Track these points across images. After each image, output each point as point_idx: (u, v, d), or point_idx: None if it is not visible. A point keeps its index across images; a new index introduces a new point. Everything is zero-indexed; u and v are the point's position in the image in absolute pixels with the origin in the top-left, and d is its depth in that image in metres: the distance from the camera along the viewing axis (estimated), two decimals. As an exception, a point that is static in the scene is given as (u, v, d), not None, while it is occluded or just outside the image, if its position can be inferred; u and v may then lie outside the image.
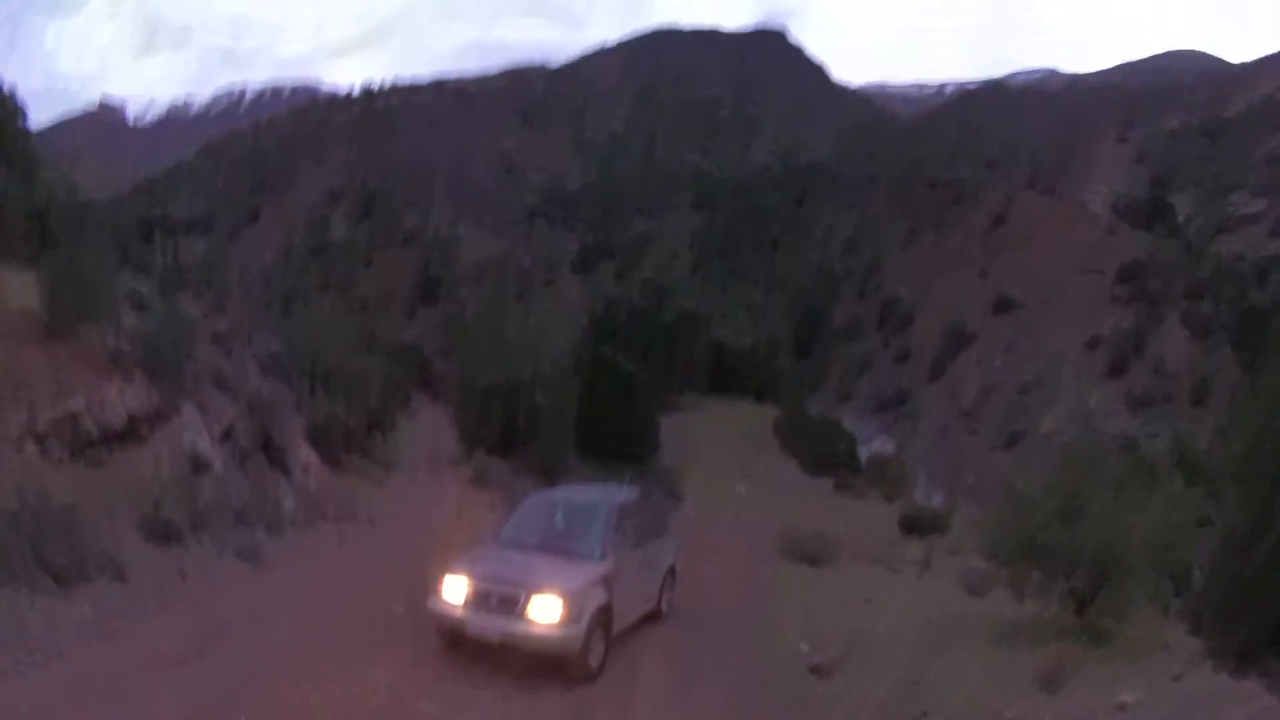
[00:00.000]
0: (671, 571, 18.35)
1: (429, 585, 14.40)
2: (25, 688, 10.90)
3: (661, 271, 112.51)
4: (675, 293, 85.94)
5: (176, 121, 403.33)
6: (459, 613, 14.07)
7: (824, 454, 61.16)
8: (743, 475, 47.65)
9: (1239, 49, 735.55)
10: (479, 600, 14.03)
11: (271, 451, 22.36)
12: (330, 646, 13.82)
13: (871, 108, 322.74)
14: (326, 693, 12.16)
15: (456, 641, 14.24)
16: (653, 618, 17.28)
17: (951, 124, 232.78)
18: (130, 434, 17.86)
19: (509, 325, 57.77)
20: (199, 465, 18.65)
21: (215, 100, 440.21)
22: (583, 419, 42.65)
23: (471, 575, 14.40)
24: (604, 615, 14.53)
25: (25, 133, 26.08)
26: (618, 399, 46.57)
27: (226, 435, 20.46)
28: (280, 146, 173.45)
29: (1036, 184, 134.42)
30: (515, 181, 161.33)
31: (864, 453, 69.37)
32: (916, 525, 39.53)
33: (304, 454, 24.80)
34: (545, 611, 13.70)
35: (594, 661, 14.28)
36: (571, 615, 13.77)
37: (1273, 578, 14.36)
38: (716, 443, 55.80)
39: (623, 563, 15.55)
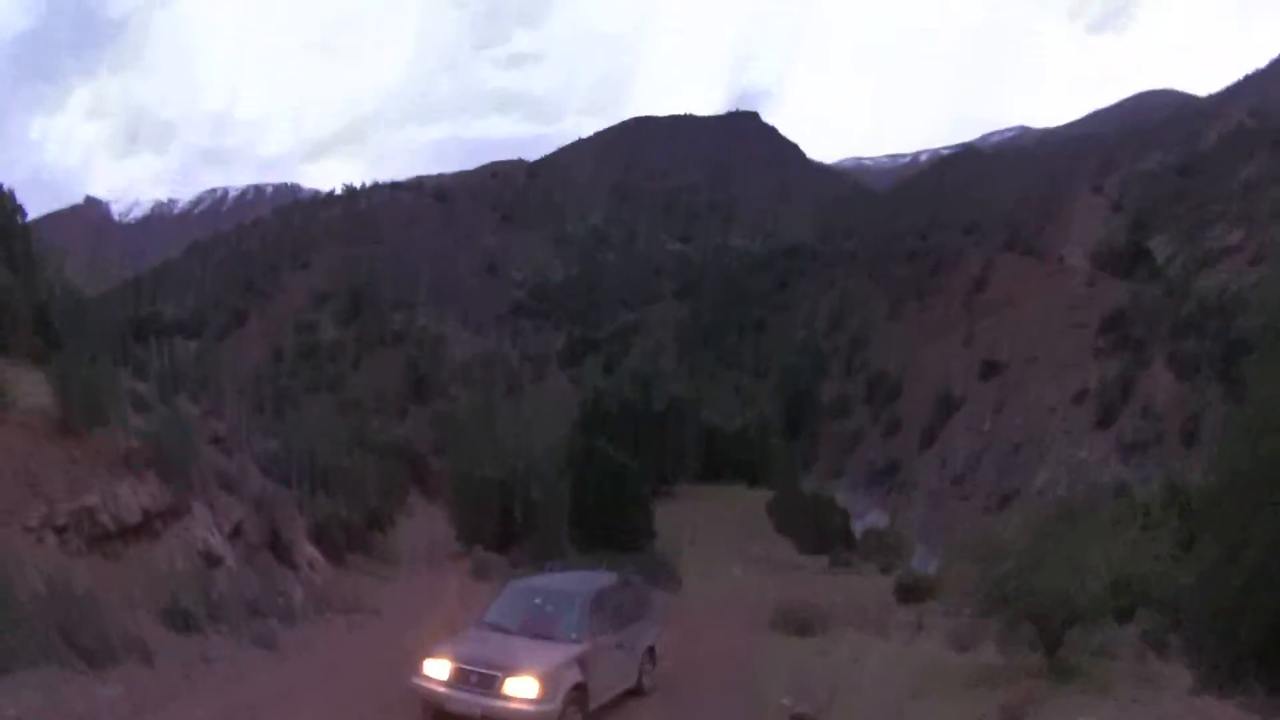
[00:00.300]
0: (651, 652, 18.91)
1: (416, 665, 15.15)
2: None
3: (648, 361, 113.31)
4: (663, 382, 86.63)
5: (161, 219, 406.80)
6: (441, 690, 14.82)
7: (818, 531, 61.79)
8: (738, 557, 48.23)
9: (1207, 81, 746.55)
10: (460, 679, 14.77)
11: (278, 548, 23.11)
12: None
13: (848, 183, 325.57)
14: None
15: (439, 717, 14.92)
16: (633, 694, 17.90)
17: (928, 192, 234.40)
18: (145, 529, 18.58)
19: (500, 422, 58.47)
20: (211, 560, 19.36)
21: (199, 199, 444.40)
22: (577, 510, 43.38)
23: (453, 656, 15.16)
24: (579, 693, 15.31)
25: (26, 232, 26.96)
26: (611, 490, 47.43)
27: (235, 532, 21.20)
28: (265, 247, 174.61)
29: (1015, 245, 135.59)
30: (498, 279, 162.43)
31: (858, 527, 69.88)
32: (911, 592, 39.98)
33: (308, 551, 25.53)
34: (522, 690, 14.47)
35: None
36: (547, 693, 14.54)
37: (1249, 604, 15.11)
38: (712, 527, 56.40)
39: (599, 644, 16.31)
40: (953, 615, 29.99)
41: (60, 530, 17.09)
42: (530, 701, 14.46)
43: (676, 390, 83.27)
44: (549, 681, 14.69)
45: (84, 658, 14.25)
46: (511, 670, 14.71)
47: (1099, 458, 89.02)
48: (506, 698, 14.48)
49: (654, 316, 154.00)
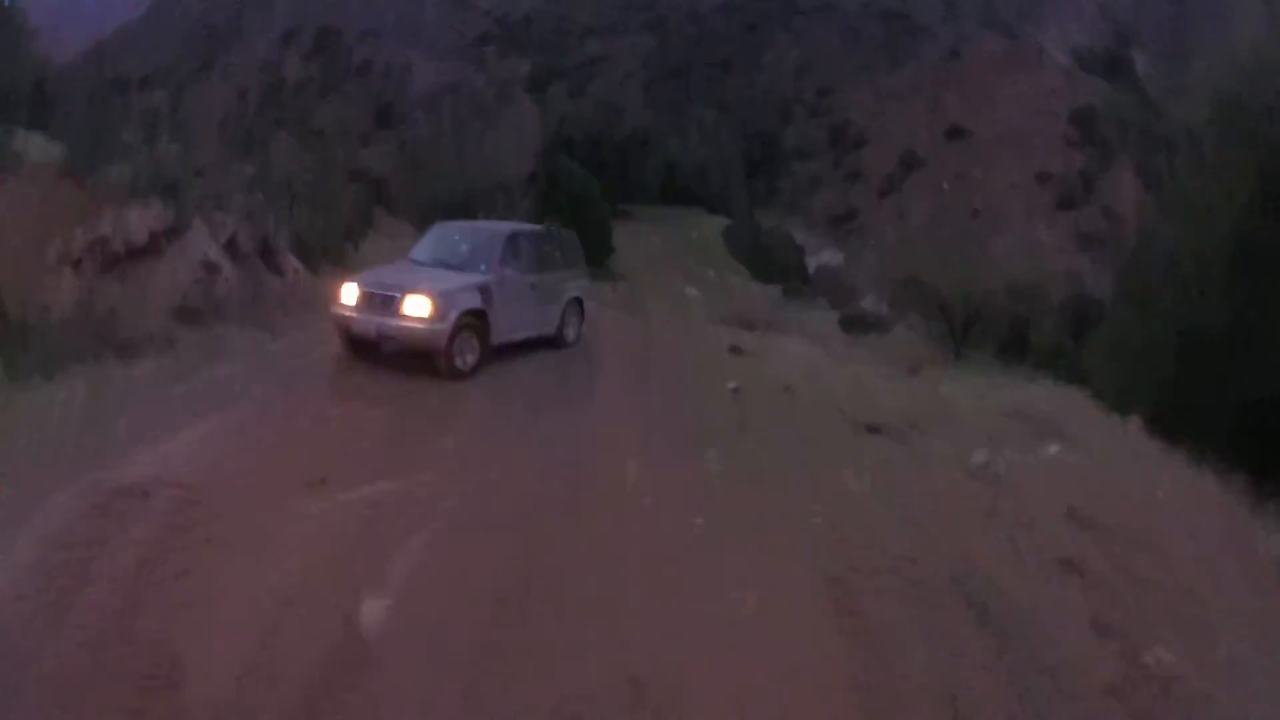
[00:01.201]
0: (578, 303, 20.77)
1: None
2: (153, 405, 14.49)
3: (614, 92, 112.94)
4: (627, 111, 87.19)
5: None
6: (350, 313, 17.01)
7: (773, 263, 63.88)
8: (694, 280, 50.26)
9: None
10: (366, 302, 16.81)
11: (266, 257, 25.26)
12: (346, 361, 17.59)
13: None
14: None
15: (348, 337, 17.29)
16: (555, 343, 19.89)
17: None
18: (151, 248, 20.66)
19: (466, 145, 59.85)
20: (210, 268, 21.53)
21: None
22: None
23: (362, 282, 17.27)
24: (476, 320, 16.94)
25: (12, 10, 28.69)
26: (573, 207, 49.13)
27: (230, 243, 23.28)
28: None
29: (994, 24, 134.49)
30: (465, 8, 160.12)
31: (812, 264, 71.76)
32: (857, 323, 42.21)
33: (291, 260, 27.72)
34: (415, 309, 16.23)
35: (463, 361, 16.74)
36: (438, 313, 16.20)
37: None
38: (669, 251, 58.77)
39: (506, 279, 17.95)
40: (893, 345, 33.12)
41: (76, 262, 19.13)
42: (422, 320, 16.21)
43: (640, 119, 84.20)
44: (442, 301, 16.36)
45: (115, 353, 16.73)
46: (408, 291, 16.48)
47: (1056, 241, 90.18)
48: (402, 316, 16.31)
49: (621, 48, 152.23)
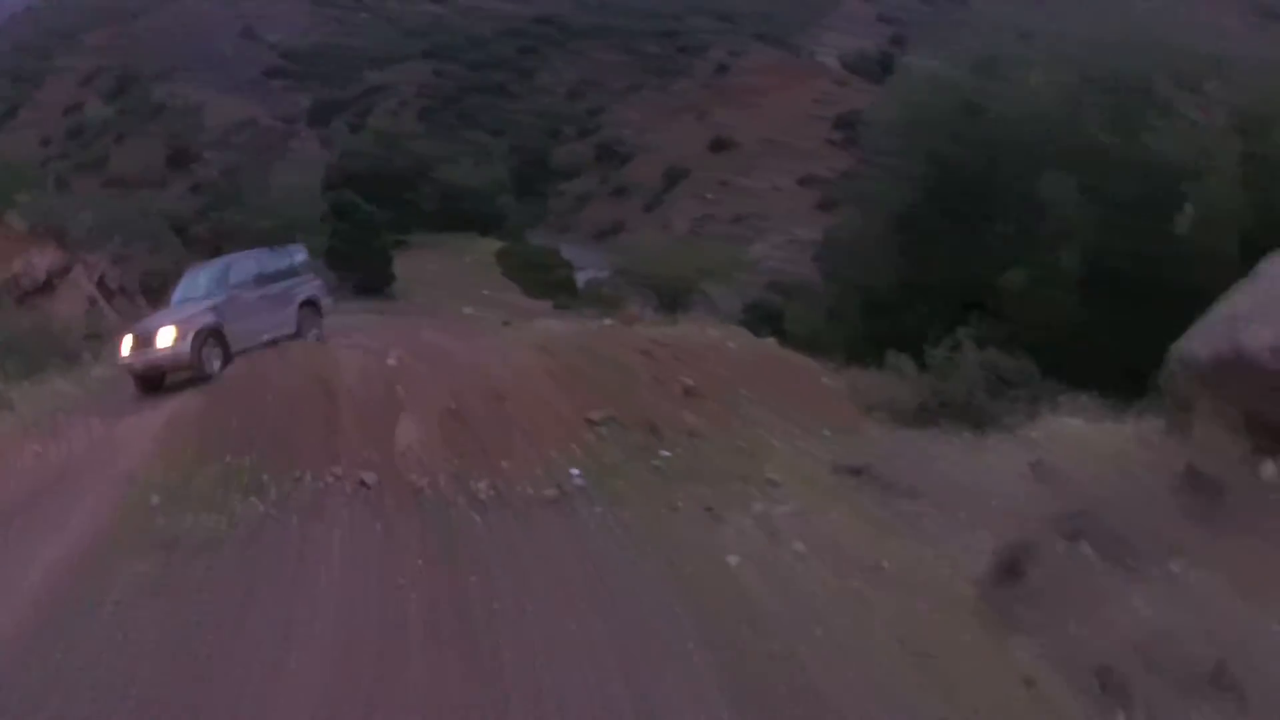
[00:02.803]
0: (313, 304, 24.53)
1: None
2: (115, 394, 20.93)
3: (392, 121, 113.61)
4: (404, 140, 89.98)
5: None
6: (128, 359, 20.46)
7: (545, 280, 68.86)
8: (469, 299, 55.15)
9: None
10: (135, 345, 20.36)
11: (126, 293, 31.78)
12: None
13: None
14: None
15: (133, 376, 20.55)
16: (298, 338, 23.16)
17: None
18: (47, 286, 27.18)
19: (258, 181, 64.40)
20: (92, 302, 28.15)
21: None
22: (330, 257, 50.65)
23: (130, 331, 21.18)
24: (213, 334, 20.65)
25: None
26: (358, 239, 55.62)
27: (100, 282, 29.79)
28: (35, 34, 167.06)
29: (767, 37, 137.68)
30: (254, 44, 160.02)
31: (581, 278, 76.25)
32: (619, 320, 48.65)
33: (140, 298, 34.07)
34: (164, 339, 19.98)
35: (210, 368, 20.22)
36: (180, 337, 19.92)
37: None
38: (446, 273, 64.28)
39: (235, 297, 21.94)
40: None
41: (-1, 294, 25.33)
42: (170, 346, 19.84)
43: (417, 148, 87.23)
44: (182, 328, 20.02)
45: (65, 362, 23.13)
46: (157, 327, 20.29)
47: (814, 238, 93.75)
48: (157, 347, 19.97)
49: (401, 77, 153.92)
